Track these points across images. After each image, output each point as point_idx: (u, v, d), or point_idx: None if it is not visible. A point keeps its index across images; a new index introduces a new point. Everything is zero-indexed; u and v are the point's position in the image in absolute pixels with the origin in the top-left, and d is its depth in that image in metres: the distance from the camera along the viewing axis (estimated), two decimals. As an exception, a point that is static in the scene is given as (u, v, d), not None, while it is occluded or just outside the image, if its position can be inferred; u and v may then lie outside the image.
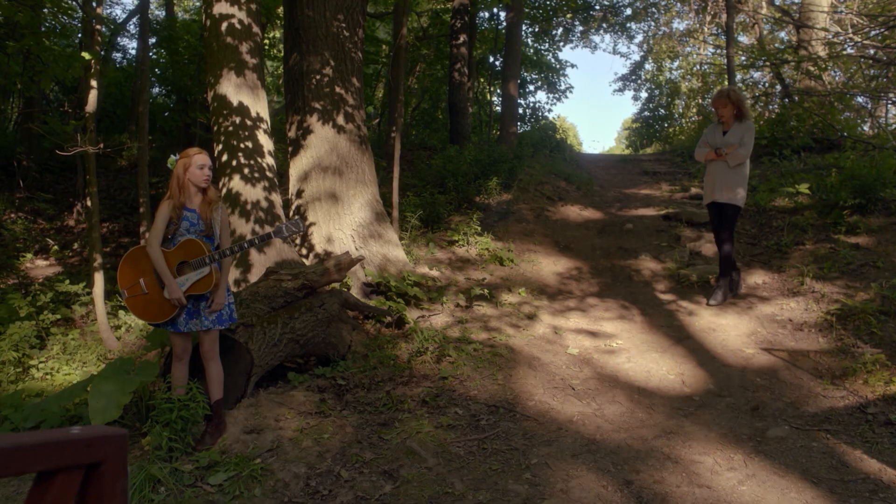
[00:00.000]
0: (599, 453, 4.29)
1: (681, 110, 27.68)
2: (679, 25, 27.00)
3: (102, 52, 17.94)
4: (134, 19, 18.88)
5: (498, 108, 20.97)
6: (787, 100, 16.36)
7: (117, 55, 20.73)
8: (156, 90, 19.74)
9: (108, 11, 22.05)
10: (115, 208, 13.08)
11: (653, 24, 26.03)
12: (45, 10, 11.14)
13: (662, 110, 27.34)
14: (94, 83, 7.48)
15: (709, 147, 7.24)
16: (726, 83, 20.43)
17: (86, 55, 7.03)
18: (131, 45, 23.22)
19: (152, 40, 18.97)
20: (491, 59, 22.84)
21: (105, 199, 13.55)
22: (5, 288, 8.67)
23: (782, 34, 22.29)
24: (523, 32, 22.00)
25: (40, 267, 10.45)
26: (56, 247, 11.08)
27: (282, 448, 4.42)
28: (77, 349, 7.28)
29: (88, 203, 7.76)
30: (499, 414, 4.95)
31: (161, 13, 22.62)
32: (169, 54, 17.03)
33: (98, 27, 7.47)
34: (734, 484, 3.86)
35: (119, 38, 20.47)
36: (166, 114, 18.12)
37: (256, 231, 6.94)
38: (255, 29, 7.14)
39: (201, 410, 4.43)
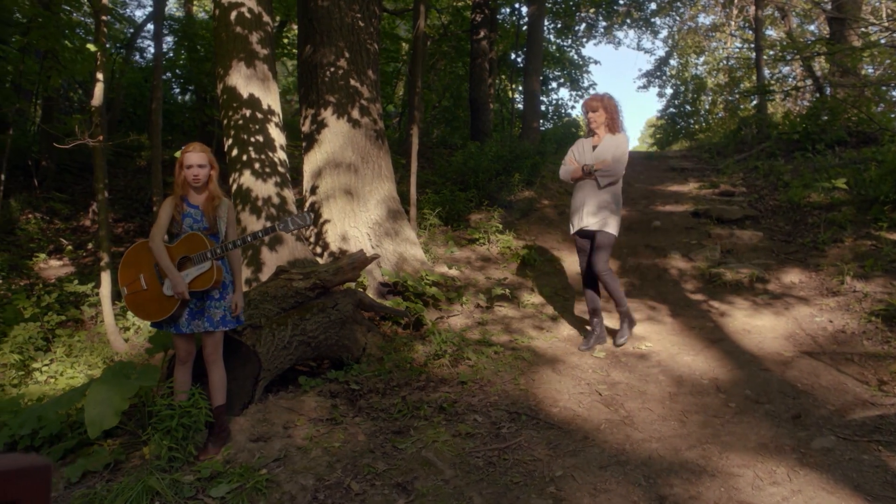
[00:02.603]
0: (629, 465, 3.96)
1: (707, 106, 27.17)
2: (705, 20, 26.48)
3: (122, 52, 17.94)
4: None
5: (520, 106, 20.64)
6: (818, 94, 15.88)
7: (137, 56, 20.64)
8: (176, 90, 19.67)
9: (127, 12, 22.02)
10: (131, 208, 12.93)
11: (678, 18, 25.51)
12: (66, 8, 11.08)
13: (688, 106, 26.82)
14: (100, 76, 7.27)
15: (576, 164, 6.16)
16: (755, 78, 19.97)
17: (91, 47, 6.84)
18: (152, 46, 23.13)
19: (170, 39, 18.93)
20: (512, 56, 22.52)
21: (122, 198, 13.43)
22: (16, 289, 8.50)
23: (812, 27, 21.73)
24: (546, 28, 21.65)
25: (54, 267, 10.30)
26: (70, 247, 10.93)
27: (289, 458, 4.15)
28: (82, 351, 7.08)
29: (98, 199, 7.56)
30: (521, 421, 4.64)
31: (182, 13, 22.55)
32: (187, 52, 16.91)
33: (104, 18, 7.25)
34: (779, 500, 3.52)
35: (139, 40, 20.42)
36: (186, 115, 18.00)
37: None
38: (266, 18, 6.88)
39: (203, 417, 4.18)
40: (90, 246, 11.10)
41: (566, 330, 6.72)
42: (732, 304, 7.04)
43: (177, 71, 18.00)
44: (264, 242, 6.71)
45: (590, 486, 3.71)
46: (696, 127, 25.79)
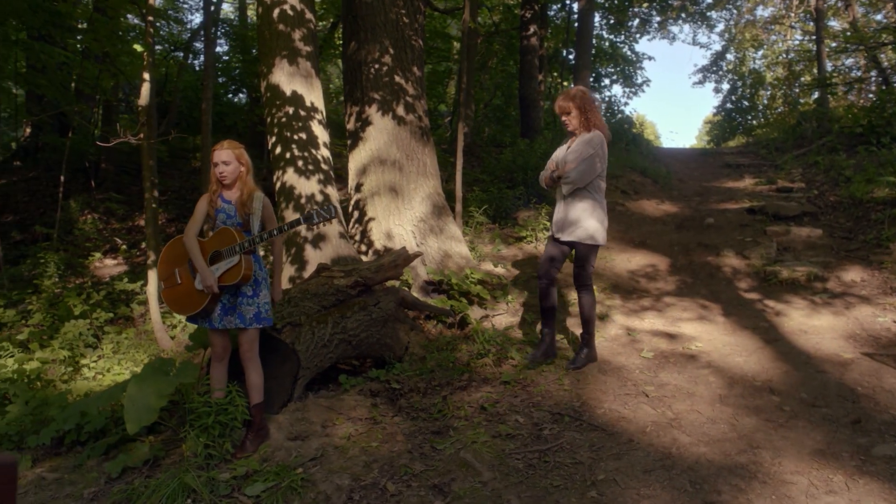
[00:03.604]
0: (675, 469, 3.80)
1: (765, 101, 26.44)
2: (763, 12, 25.76)
3: (180, 55, 18.31)
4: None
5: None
6: (885, 85, 15.29)
7: (192, 60, 21.04)
8: (232, 89, 19.97)
9: (185, 17, 22.46)
10: (184, 208, 13.14)
11: (735, 11, 24.89)
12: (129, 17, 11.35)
13: (745, 102, 26.11)
14: (146, 76, 7.39)
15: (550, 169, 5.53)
16: (815, 71, 19.34)
17: (138, 48, 6.95)
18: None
19: (225, 43, 19.25)
20: (564, 54, 22.28)
21: (176, 199, 13.67)
22: (73, 287, 8.70)
23: (878, 16, 20.92)
24: (598, 24, 21.35)
25: (108, 266, 10.54)
26: (124, 246, 11.17)
27: (326, 457, 4.11)
28: (129, 348, 7.20)
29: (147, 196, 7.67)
30: (563, 423, 4.51)
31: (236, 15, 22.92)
32: (241, 55, 17.19)
33: (150, 19, 7.35)
34: (835, 510, 3.33)
35: (197, 43, 20.81)
36: (242, 117, 18.27)
37: (312, 227, 6.69)
38: (309, 15, 6.88)
39: (240, 415, 4.16)
40: (143, 245, 11.33)
41: (613, 329, 6.54)
42: (789, 304, 6.77)
43: (233, 74, 18.28)
44: (307, 239, 6.71)
45: (633, 492, 3.57)
46: (754, 123, 25.12)
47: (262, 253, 4.89)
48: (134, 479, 4.00)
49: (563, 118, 5.43)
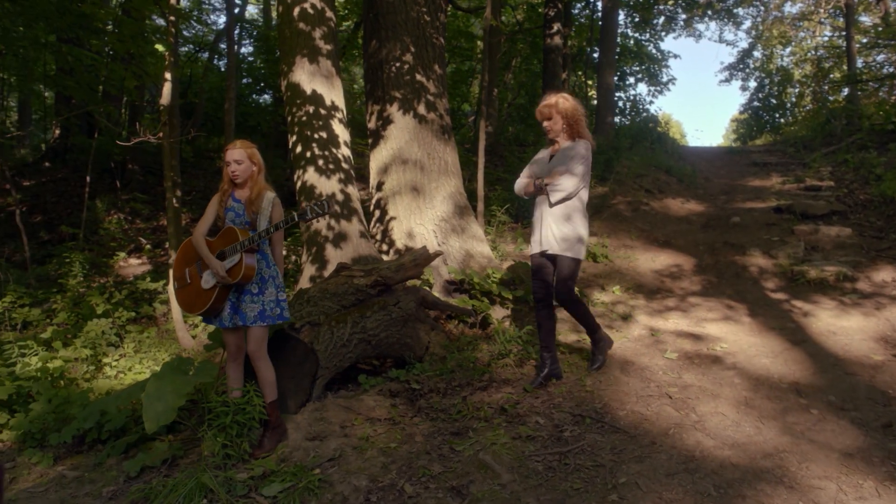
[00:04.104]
0: (699, 473, 3.72)
1: (793, 99, 26.05)
2: (791, 9, 25.38)
3: (205, 56, 18.46)
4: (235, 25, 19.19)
5: (595, 102, 20.26)
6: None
7: (217, 60, 21.21)
8: (258, 90, 20.11)
9: (212, 19, 22.64)
10: (208, 208, 13.26)
11: (762, 8, 24.52)
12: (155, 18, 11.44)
13: (773, 100, 25.74)
14: (168, 76, 7.43)
15: (531, 177, 5.28)
16: (845, 68, 19.02)
17: (159, 47, 6.99)
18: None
19: (250, 43, 19.36)
20: (588, 52, 22.15)
21: (200, 199, 13.76)
22: (94, 286, 8.78)
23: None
24: (623, 22, 21.20)
25: (132, 265, 10.64)
26: (148, 246, 11.28)
27: (344, 457, 4.08)
28: (151, 347, 7.24)
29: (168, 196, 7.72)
30: (585, 424, 4.44)
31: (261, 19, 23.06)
32: (265, 55, 17.29)
33: (172, 18, 7.40)
34: (864, 517, 3.23)
35: (222, 45, 20.97)
36: (267, 117, 18.37)
37: (332, 226, 6.68)
38: (329, 14, 6.87)
39: (257, 414, 4.15)
40: (167, 245, 11.43)
41: (637, 329, 6.45)
42: (817, 304, 6.63)
43: (257, 75, 18.39)
44: (327, 238, 6.70)
45: (655, 495, 3.50)
46: (782, 121, 24.77)
47: (284, 252, 4.88)
48: (152, 478, 4.01)
49: (545, 123, 5.18)
